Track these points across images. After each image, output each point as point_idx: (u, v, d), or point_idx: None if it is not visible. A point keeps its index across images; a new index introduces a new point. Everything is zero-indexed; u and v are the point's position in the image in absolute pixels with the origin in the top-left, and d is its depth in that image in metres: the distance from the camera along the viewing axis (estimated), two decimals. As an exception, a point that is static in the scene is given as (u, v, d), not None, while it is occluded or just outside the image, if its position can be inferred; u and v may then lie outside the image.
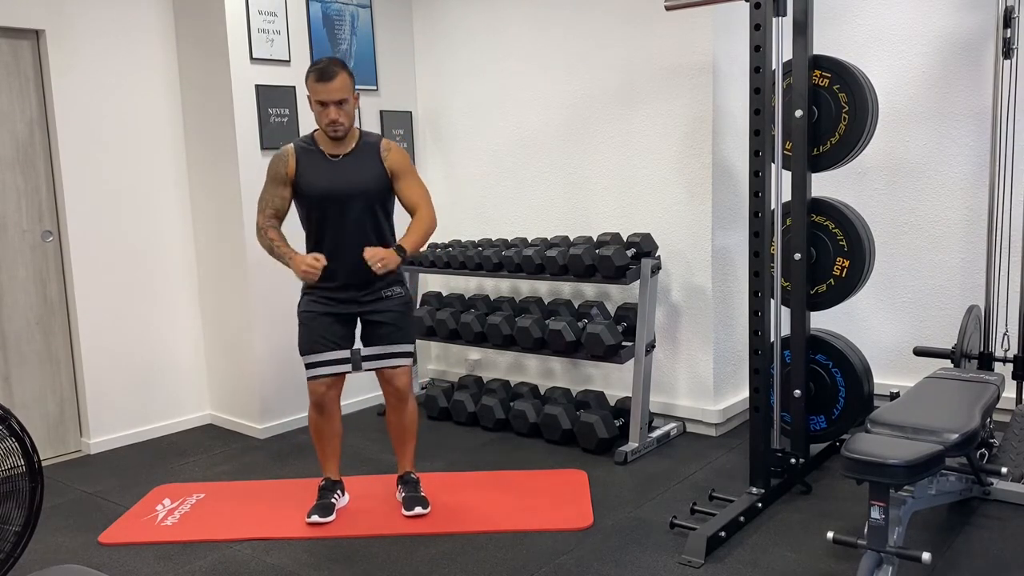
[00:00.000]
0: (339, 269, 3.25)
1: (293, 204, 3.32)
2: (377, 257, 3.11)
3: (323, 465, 3.48)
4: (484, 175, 4.96)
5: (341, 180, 3.21)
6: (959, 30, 4.07)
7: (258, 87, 4.32)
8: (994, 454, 3.33)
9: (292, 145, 3.29)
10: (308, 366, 3.32)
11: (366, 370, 3.37)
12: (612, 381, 4.54)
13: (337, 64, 3.18)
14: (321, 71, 3.14)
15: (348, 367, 3.33)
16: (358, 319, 3.35)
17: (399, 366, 3.35)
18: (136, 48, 4.40)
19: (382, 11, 4.95)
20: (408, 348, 3.39)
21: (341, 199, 3.21)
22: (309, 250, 3.31)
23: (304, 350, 3.31)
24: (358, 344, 3.37)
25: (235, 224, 4.38)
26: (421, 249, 3.20)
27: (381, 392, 3.52)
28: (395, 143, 3.39)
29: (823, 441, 3.73)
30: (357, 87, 4.73)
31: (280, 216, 3.31)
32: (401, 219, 3.36)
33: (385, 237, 3.32)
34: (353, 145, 3.27)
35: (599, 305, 4.27)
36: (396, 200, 3.38)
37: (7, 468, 2.59)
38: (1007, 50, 3.64)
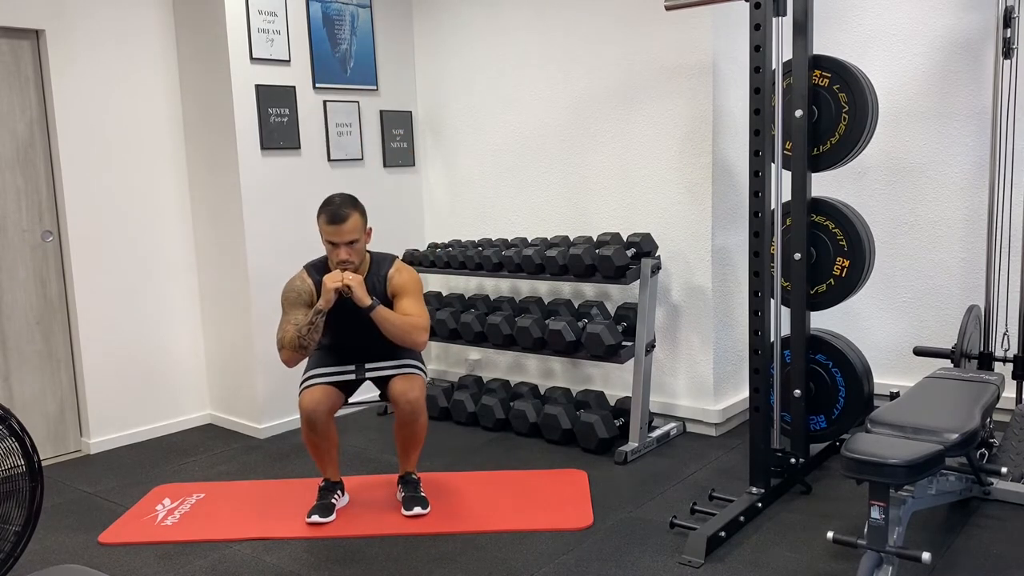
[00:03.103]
0: (353, 359, 3.38)
1: None
2: (338, 275, 3.17)
3: (322, 470, 3.48)
4: (484, 175, 4.96)
5: (352, 314, 3.23)
6: (959, 30, 4.07)
7: (258, 87, 4.32)
8: (994, 454, 3.33)
9: (305, 273, 3.35)
10: (304, 380, 3.35)
11: (370, 378, 3.39)
12: (612, 381, 4.54)
13: (348, 204, 3.20)
14: (333, 214, 3.17)
15: (351, 376, 3.35)
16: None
17: (408, 373, 3.34)
18: (136, 48, 4.40)
19: (382, 11, 4.95)
20: (416, 363, 3.40)
21: (355, 327, 3.27)
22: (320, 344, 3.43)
23: (310, 367, 3.38)
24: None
25: (235, 223, 4.38)
26: (387, 326, 3.22)
27: (379, 393, 3.52)
28: (406, 266, 3.40)
29: (823, 441, 3.73)
30: (358, 87, 4.81)
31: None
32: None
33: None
34: (364, 275, 3.30)
35: (599, 305, 4.27)
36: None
37: (7, 468, 2.59)
38: (1007, 50, 3.64)
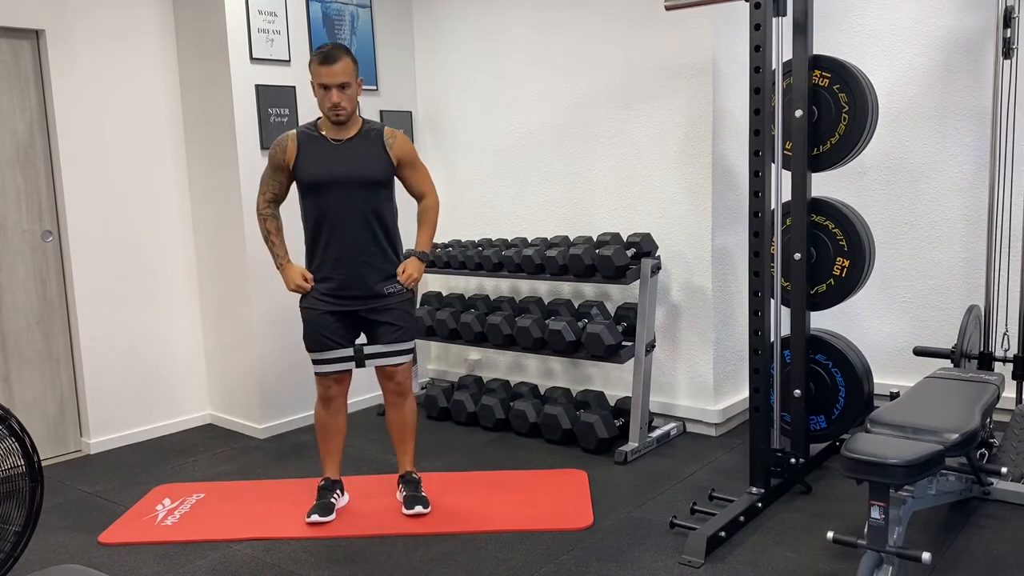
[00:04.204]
0: (339, 259, 3.26)
1: (295, 186, 3.34)
2: (405, 276, 3.31)
3: (324, 463, 3.49)
4: (484, 175, 4.96)
5: (343, 164, 3.22)
6: (959, 30, 4.07)
7: (258, 87, 4.32)
8: (994, 454, 3.33)
9: (295, 131, 3.30)
10: (315, 362, 3.36)
11: (368, 366, 3.38)
12: (612, 381, 4.54)
13: (340, 48, 3.20)
14: (325, 55, 3.17)
15: (352, 364, 3.35)
16: (359, 314, 3.36)
17: (399, 364, 3.36)
18: (136, 48, 4.40)
19: (382, 11, 4.95)
20: (408, 346, 3.40)
21: (343, 183, 3.22)
22: (308, 240, 3.33)
23: (309, 346, 3.34)
24: (361, 339, 3.39)
25: (235, 223, 4.38)
26: (432, 236, 3.50)
27: (381, 392, 3.52)
28: (399, 131, 3.38)
29: (823, 441, 3.73)
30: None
31: (279, 200, 3.37)
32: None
33: (388, 226, 3.33)
34: (356, 131, 3.27)
35: (599, 305, 4.27)
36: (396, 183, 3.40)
37: (7, 468, 2.59)
38: (1007, 50, 3.64)
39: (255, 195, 4.32)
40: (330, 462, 3.47)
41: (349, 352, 3.34)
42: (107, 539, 3.28)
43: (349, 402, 3.54)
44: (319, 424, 3.45)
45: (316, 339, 3.31)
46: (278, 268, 3.32)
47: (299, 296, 3.34)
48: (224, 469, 4.04)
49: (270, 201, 3.34)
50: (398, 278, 3.32)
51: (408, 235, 5.12)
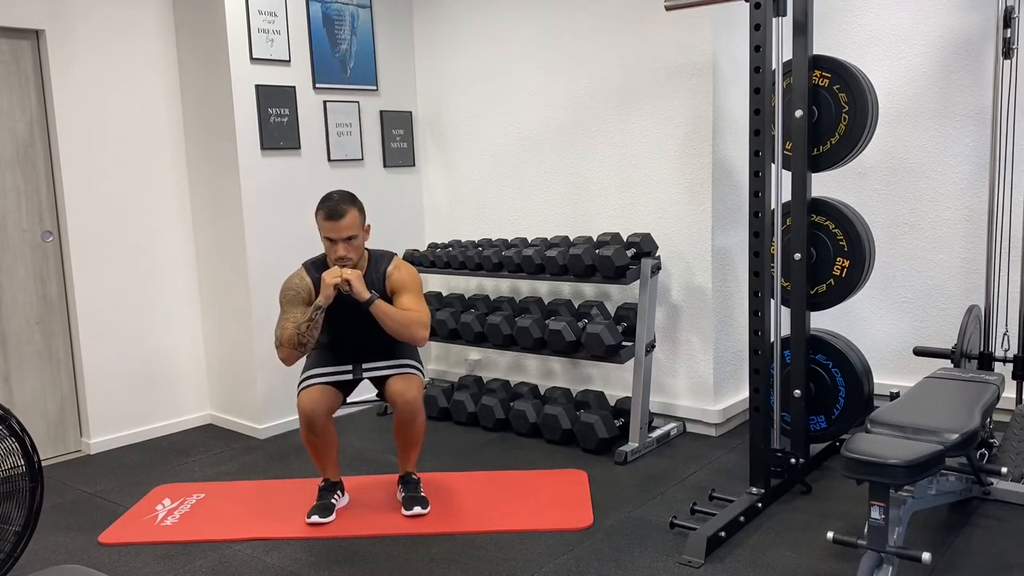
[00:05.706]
0: (347, 348, 3.37)
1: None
2: (347, 276, 3.15)
3: (321, 470, 3.48)
4: (484, 175, 4.96)
5: (350, 305, 3.21)
6: (959, 30, 4.07)
7: (258, 87, 4.32)
8: (994, 454, 3.33)
9: (304, 271, 3.33)
10: (302, 381, 3.34)
11: (367, 378, 3.39)
12: (612, 381, 4.54)
13: (346, 200, 3.20)
14: (331, 210, 3.17)
15: (348, 376, 3.35)
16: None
17: (405, 373, 3.34)
18: (136, 48, 4.40)
19: (382, 11, 4.95)
20: (414, 362, 3.40)
21: (350, 318, 3.25)
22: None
23: (306, 367, 3.37)
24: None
25: (235, 224, 4.38)
26: (386, 320, 3.20)
27: (378, 395, 3.52)
28: (404, 263, 3.39)
29: (823, 441, 3.73)
30: (358, 87, 4.81)
31: None
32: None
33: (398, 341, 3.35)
34: (363, 273, 3.29)
35: (599, 305, 4.27)
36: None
37: (7, 468, 2.59)
38: (1007, 50, 3.64)
39: (255, 194, 4.36)
40: (328, 467, 3.45)
41: (347, 368, 3.35)
42: (107, 539, 3.28)
43: (349, 401, 3.54)
44: (308, 446, 3.36)
45: (316, 362, 3.36)
46: (320, 306, 3.18)
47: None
48: (224, 469, 4.04)
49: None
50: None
51: (406, 235, 5.11)
